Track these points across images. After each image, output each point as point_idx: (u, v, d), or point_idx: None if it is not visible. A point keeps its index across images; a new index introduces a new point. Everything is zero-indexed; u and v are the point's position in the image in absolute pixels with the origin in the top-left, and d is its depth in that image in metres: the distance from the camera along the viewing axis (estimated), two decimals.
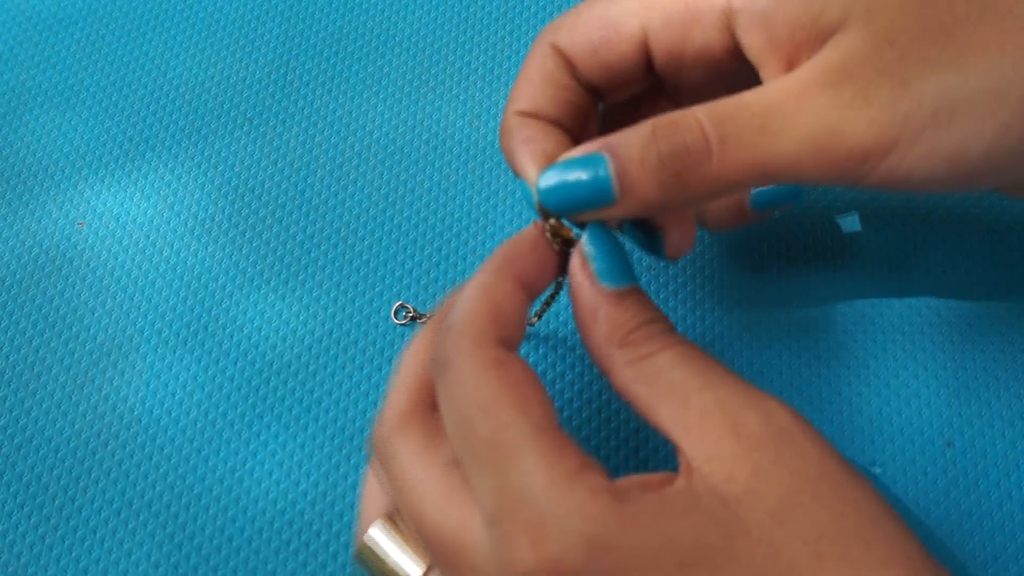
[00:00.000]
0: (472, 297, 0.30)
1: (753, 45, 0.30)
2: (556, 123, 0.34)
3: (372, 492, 0.33)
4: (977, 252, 0.42)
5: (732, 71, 0.32)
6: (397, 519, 0.32)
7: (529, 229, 0.32)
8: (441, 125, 0.46)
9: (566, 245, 0.31)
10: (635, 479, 0.28)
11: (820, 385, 0.40)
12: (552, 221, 0.31)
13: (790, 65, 0.29)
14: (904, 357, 0.41)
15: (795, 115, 0.28)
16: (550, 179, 0.30)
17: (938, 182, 0.28)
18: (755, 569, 0.26)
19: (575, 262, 0.31)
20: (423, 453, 0.30)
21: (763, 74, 0.30)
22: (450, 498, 0.29)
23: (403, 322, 0.42)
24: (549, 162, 0.31)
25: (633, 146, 0.29)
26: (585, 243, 0.31)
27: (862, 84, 0.27)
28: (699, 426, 0.28)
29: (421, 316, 0.42)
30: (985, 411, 0.40)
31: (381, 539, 0.32)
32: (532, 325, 0.42)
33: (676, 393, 0.29)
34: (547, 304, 0.38)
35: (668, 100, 0.36)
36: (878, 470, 0.39)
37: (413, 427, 0.31)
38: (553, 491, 0.27)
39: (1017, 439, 0.39)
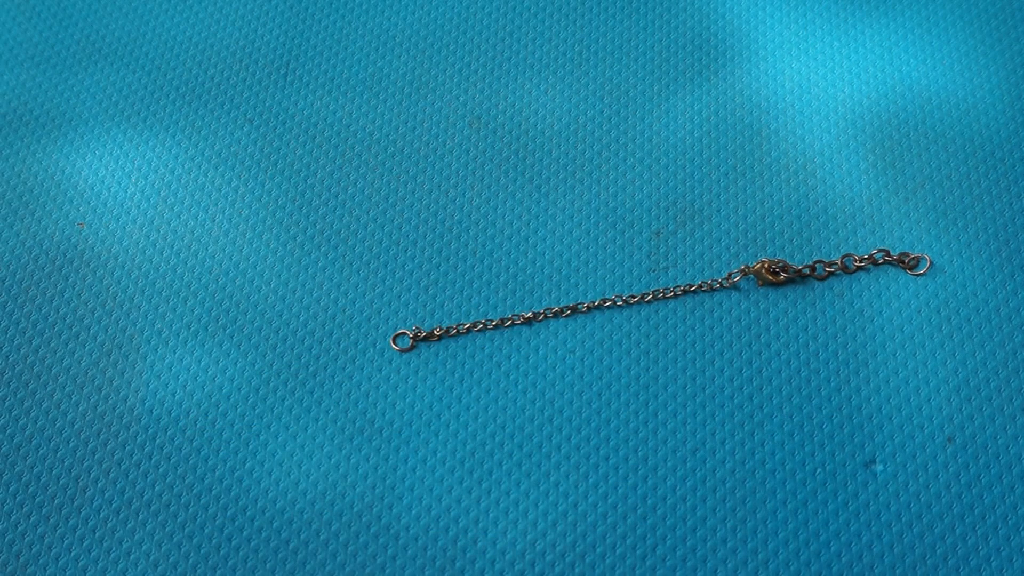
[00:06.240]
0: None
1: None
2: None
3: None
4: (976, 247, 0.43)
5: None
6: None
7: None
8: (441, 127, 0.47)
9: None
10: None
11: (820, 382, 0.40)
12: None
13: None
14: (904, 354, 0.41)
15: None
16: None
17: None
18: None
19: None
20: None
21: None
22: None
23: (406, 348, 0.42)
24: None
25: None
26: None
27: None
28: None
29: (425, 336, 0.42)
30: (986, 407, 0.40)
31: None
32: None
33: None
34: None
35: None
36: (879, 467, 0.39)
37: None
38: None
39: (1018, 434, 0.39)
